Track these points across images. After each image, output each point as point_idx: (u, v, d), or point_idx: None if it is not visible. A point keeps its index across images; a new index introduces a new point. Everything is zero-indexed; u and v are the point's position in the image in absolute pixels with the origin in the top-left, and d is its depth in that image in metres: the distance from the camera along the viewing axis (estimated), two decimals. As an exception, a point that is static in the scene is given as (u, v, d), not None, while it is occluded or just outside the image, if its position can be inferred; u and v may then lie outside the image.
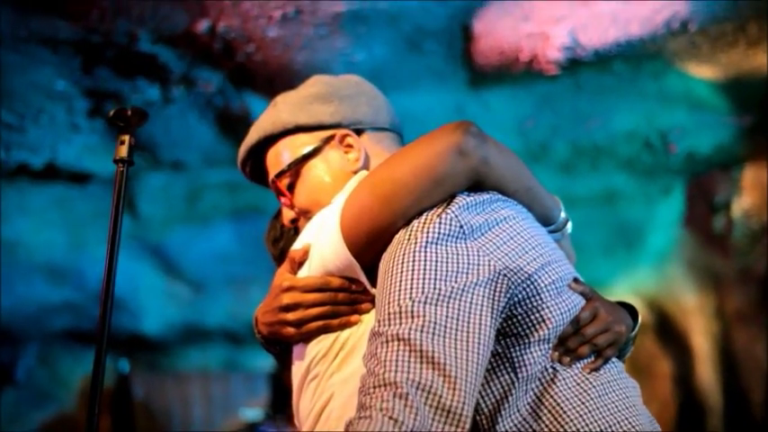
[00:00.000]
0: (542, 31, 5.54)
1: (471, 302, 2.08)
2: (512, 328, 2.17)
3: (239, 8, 5.18)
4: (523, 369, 2.16)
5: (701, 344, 8.04)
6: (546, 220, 2.44)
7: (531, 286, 2.18)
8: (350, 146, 2.61)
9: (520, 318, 2.17)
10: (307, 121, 2.63)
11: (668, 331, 8.35)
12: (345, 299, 2.37)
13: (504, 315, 2.15)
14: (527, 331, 2.17)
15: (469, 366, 2.02)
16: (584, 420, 2.15)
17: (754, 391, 7.54)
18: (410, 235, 2.18)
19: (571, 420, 2.15)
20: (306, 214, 2.59)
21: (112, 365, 8.83)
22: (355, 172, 2.57)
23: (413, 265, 2.12)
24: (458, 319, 2.05)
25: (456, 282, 2.09)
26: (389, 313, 2.07)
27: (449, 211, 2.20)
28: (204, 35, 5.38)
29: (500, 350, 2.17)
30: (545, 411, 2.16)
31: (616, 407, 2.20)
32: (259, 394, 8.13)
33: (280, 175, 2.63)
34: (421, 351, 1.99)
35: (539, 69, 5.88)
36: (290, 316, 2.42)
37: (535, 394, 2.17)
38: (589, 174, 7.47)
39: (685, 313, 8.16)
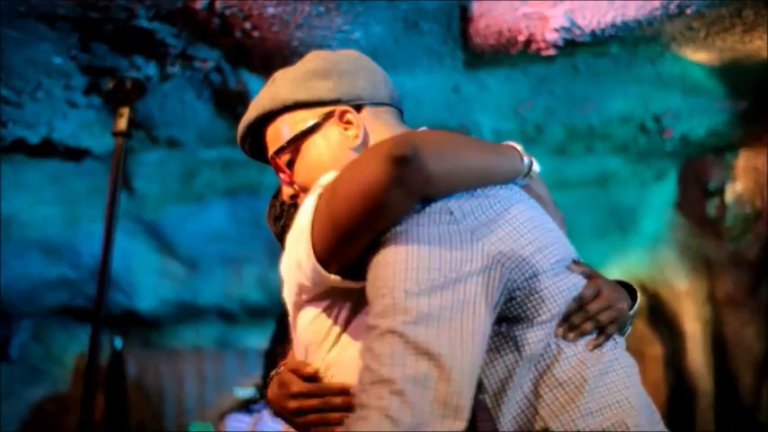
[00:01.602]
0: (540, 12, 5.54)
1: (465, 291, 2.09)
2: (512, 311, 2.19)
3: (238, -15, 5.20)
4: (527, 348, 2.18)
5: (693, 327, 8.07)
6: (515, 176, 2.44)
7: (530, 270, 2.20)
8: (349, 122, 2.58)
9: (519, 300, 2.19)
10: (305, 98, 2.60)
11: (660, 314, 8.37)
12: (342, 404, 2.37)
13: (503, 298, 2.16)
14: (528, 313, 2.20)
15: (465, 356, 2.03)
16: (584, 398, 2.17)
17: (743, 375, 7.58)
18: (400, 223, 2.19)
19: (571, 398, 2.17)
20: (305, 191, 2.56)
21: (106, 342, 8.84)
22: (354, 149, 2.55)
23: (405, 255, 2.12)
24: (452, 310, 2.06)
25: (450, 271, 2.09)
26: (383, 305, 2.08)
27: (437, 200, 2.21)
28: (202, 12, 5.38)
29: (503, 330, 2.19)
30: (546, 389, 2.18)
31: (616, 385, 2.23)
32: (252, 373, 8.13)
33: (279, 151, 2.61)
34: (415, 344, 2.00)
35: (536, 51, 5.88)
36: (298, 420, 2.47)
37: (538, 372, 2.19)
38: (583, 156, 7.48)
39: (677, 297, 8.18)
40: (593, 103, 6.69)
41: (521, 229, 2.24)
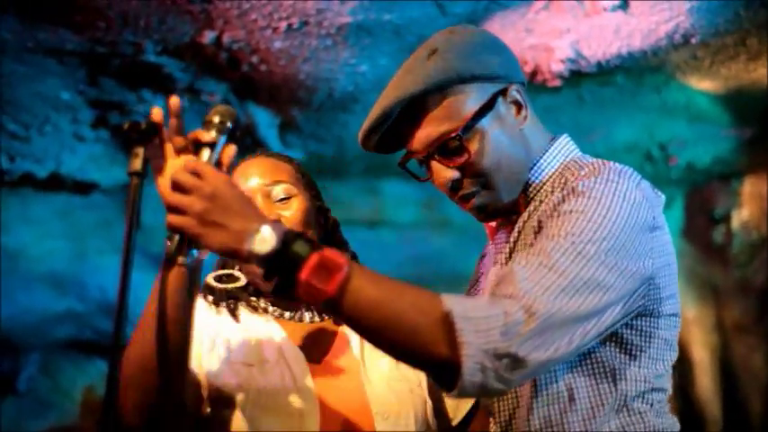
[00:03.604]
0: (545, 43, 5.57)
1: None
2: (623, 339, 2.22)
3: (245, 19, 5.21)
4: (623, 385, 2.22)
5: (700, 355, 8.06)
6: None
7: (656, 311, 2.24)
8: (516, 102, 2.38)
9: (636, 331, 2.23)
10: (481, 72, 2.34)
11: (668, 342, 8.38)
12: None
13: (627, 318, 2.19)
14: (635, 352, 2.23)
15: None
16: None
17: (752, 401, 7.56)
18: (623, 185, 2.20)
19: None
20: (483, 176, 2.37)
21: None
22: (522, 129, 2.39)
23: (609, 218, 2.12)
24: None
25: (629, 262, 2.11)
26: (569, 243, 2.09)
27: (645, 195, 2.23)
28: (209, 46, 5.41)
29: (605, 357, 2.23)
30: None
31: None
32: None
33: (464, 130, 2.31)
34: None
35: (542, 81, 5.91)
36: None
37: (629, 417, 2.23)
38: (590, 185, 7.49)
39: (685, 324, 8.12)
40: (599, 132, 6.72)
41: (672, 266, 2.30)
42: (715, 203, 7.64)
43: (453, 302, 1.94)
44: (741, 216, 7.50)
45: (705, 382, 8.01)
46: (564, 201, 2.18)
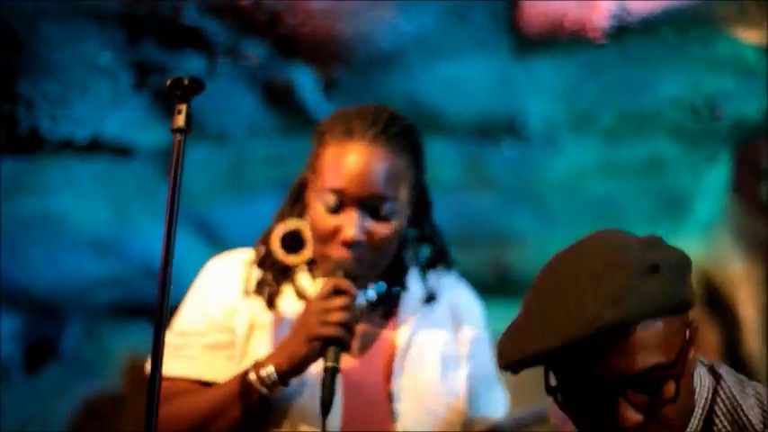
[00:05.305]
0: (590, -2, 5.54)
1: None
2: None
3: (286, -22, 5.21)
4: None
5: (749, 313, 7.99)
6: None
7: None
8: (693, 338, 2.01)
9: None
10: (690, 300, 2.00)
11: (716, 300, 8.30)
12: None
13: None
14: None
15: None
16: None
17: (802, 360, 7.53)
18: None
19: None
20: (671, 427, 2.01)
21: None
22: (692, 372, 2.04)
23: None
24: None
25: None
26: None
27: None
28: (250, 6, 5.39)
29: None
30: None
31: None
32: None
33: (674, 365, 1.94)
34: None
35: (585, 37, 5.85)
36: None
37: None
38: (635, 141, 7.43)
39: (733, 282, 8.11)
40: (645, 87, 6.65)
41: None
42: (763, 159, 7.56)
43: None
44: (790, 171, 7.44)
45: (754, 340, 7.95)
46: None
